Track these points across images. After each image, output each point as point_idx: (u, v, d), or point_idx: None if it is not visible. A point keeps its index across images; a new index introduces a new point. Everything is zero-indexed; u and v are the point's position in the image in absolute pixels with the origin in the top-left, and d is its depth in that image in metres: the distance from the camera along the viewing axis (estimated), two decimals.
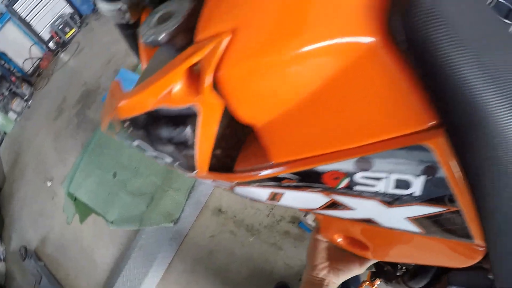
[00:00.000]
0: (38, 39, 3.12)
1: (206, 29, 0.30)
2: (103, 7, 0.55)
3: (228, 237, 1.38)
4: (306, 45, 0.26)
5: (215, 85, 0.29)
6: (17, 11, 2.92)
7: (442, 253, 0.41)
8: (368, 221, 0.41)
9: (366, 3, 0.26)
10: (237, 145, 0.45)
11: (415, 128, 0.29)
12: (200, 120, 0.33)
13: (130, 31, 0.58)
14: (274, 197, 0.44)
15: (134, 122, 0.37)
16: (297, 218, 1.37)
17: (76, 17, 3.25)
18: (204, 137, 0.36)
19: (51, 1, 3.09)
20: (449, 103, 0.26)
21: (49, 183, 2.16)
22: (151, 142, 0.40)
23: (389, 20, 0.25)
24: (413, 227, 0.37)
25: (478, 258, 0.36)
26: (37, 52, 3.19)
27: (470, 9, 0.28)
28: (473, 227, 0.32)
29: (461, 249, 0.37)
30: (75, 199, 1.85)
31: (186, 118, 0.34)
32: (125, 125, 0.38)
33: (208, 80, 0.29)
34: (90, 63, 2.80)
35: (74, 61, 2.96)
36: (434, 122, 0.28)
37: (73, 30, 3.17)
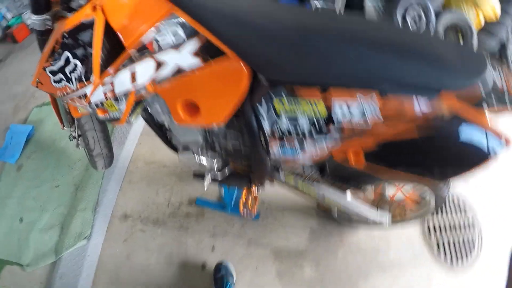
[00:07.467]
0: None
1: None
2: (34, 18, 0.82)
3: (140, 236, 1.52)
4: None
5: (102, 11, 0.69)
6: None
7: (221, 83, 0.72)
8: (179, 71, 0.72)
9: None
10: (116, 52, 0.74)
11: None
12: (95, 25, 0.69)
13: (44, 37, 0.84)
14: (133, 78, 0.74)
15: (69, 35, 0.71)
16: (193, 200, 1.58)
17: None
18: (96, 39, 0.70)
19: None
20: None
21: None
22: (73, 49, 0.72)
23: None
24: (196, 60, 0.70)
25: (245, 81, 0.69)
26: None
27: None
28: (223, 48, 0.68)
29: (230, 76, 0.69)
30: None
31: (90, 25, 0.69)
32: (62, 41, 0.72)
33: (99, 6, 0.69)
34: None
35: None
36: None
37: None
